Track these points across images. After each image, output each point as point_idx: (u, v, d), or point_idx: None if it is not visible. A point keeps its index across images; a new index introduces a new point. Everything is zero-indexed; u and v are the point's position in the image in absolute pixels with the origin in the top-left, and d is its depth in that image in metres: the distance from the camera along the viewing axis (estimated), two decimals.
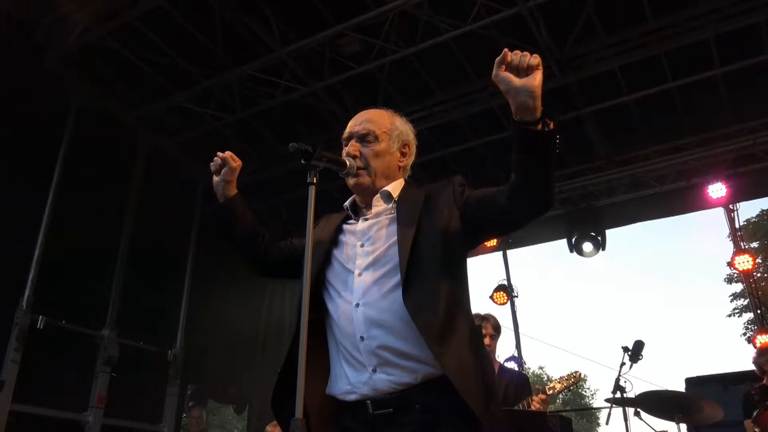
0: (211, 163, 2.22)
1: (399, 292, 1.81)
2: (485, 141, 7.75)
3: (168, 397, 7.09)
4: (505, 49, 1.68)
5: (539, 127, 1.68)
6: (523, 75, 1.66)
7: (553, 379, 4.59)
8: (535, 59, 1.66)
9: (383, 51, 6.15)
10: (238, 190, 2.26)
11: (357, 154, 2.09)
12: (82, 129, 6.34)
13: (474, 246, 2.11)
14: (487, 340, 4.42)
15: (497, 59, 1.68)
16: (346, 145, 2.14)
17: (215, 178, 2.22)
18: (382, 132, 2.14)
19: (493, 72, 1.69)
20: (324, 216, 2.29)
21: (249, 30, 6.05)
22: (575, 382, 4.51)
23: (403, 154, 2.20)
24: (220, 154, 2.20)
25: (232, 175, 2.21)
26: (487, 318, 4.54)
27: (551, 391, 4.43)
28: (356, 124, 2.16)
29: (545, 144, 1.71)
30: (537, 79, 1.65)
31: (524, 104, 1.66)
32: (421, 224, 1.92)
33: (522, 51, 1.69)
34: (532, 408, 4.25)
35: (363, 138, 2.12)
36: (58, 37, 5.98)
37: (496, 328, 4.55)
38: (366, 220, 2.08)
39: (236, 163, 2.20)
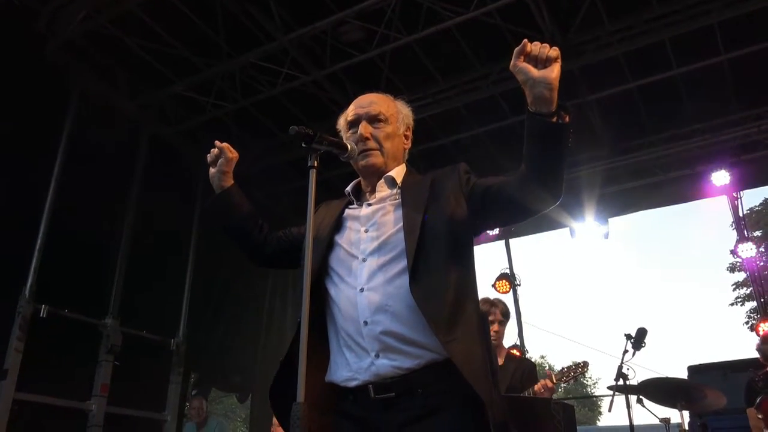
0: (208, 155, 2.21)
1: (405, 278, 1.80)
2: (488, 129, 7.72)
3: (171, 386, 7.12)
4: (525, 40, 1.67)
5: (554, 119, 1.68)
6: (541, 66, 1.66)
7: (559, 368, 4.58)
8: (554, 51, 1.66)
9: (385, 38, 6.11)
10: (235, 181, 2.25)
11: (369, 135, 2.06)
12: (84, 118, 6.32)
13: (478, 233, 2.10)
14: (495, 327, 4.38)
15: (516, 49, 1.67)
16: (351, 128, 2.11)
17: (211, 170, 2.22)
18: (391, 114, 2.13)
19: (512, 62, 1.68)
20: (323, 203, 2.25)
21: (250, 18, 6.01)
22: (582, 371, 4.50)
23: (406, 137, 2.20)
24: (218, 143, 2.19)
25: (229, 166, 2.21)
26: (496, 304, 4.51)
27: (558, 379, 4.42)
28: (364, 105, 2.13)
29: (559, 137, 1.70)
30: (555, 71, 1.65)
31: (541, 96, 1.65)
32: (427, 211, 1.91)
33: (527, 38, 1.68)
34: (535, 393, 4.24)
35: (374, 119, 2.09)
36: (59, 25, 5.94)
37: (505, 314, 4.53)
38: (370, 205, 2.06)
39: (233, 154, 2.19)
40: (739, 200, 8.53)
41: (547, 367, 41.51)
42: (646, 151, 8.01)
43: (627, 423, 4.62)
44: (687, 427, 4.55)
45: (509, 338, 9.45)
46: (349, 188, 2.18)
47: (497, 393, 1.80)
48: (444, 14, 5.78)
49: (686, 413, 4.58)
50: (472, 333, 1.79)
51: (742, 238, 8.36)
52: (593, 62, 6.38)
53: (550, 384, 4.27)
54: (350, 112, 2.14)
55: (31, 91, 5.80)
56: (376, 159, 2.06)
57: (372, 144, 2.05)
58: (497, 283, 9.28)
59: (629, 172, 8.46)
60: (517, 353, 8.06)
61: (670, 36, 6.12)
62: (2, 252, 5.39)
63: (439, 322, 1.72)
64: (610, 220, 8.66)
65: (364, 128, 2.07)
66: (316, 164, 1.76)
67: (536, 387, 4.27)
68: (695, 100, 7.27)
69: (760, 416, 4.71)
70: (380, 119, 2.09)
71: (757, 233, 22.16)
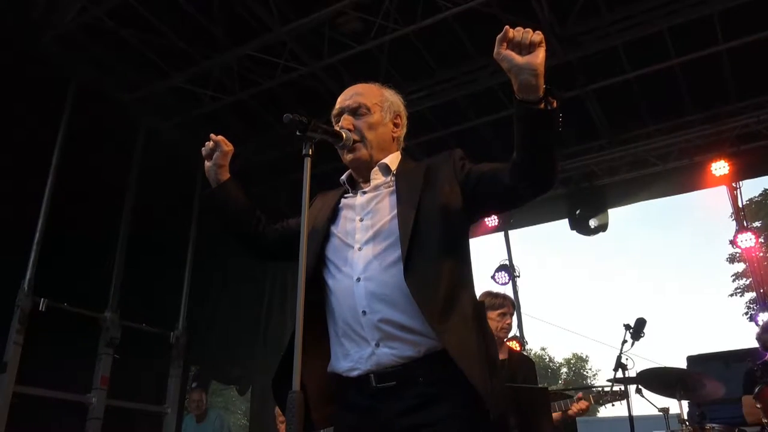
0: (203, 149, 2.18)
1: (400, 267, 1.80)
2: (486, 120, 7.70)
3: (171, 379, 7.13)
4: (506, 26, 1.65)
5: (542, 105, 1.66)
6: (525, 52, 1.63)
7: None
8: (537, 36, 1.63)
9: (383, 29, 6.08)
10: (232, 174, 2.23)
11: (351, 127, 2.06)
12: (81, 110, 6.31)
13: (474, 221, 2.10)
14: (508, 319, 4.38)
15: (498, 36, 1.65)
16: (337, 122, 2.11)
17: (207, 164, 2.19)
18: (374, 104, 2.11)
19: (495, 50, 1.66)
20: (318, 194, 2.25)
21: (248, 9, 5.98)
22: (621, 398, 4.52)
23: (395, 125, 2.18)
24: (213, 136, 2.17)
25: (225, 159, 2.18)
26: (507, 297, 4.50)
27: (596, 401, 4.47)
28: (346, 98, 2.13)
29: (548, 123, 1.69)
30: (540, 56, 1.62)
31: (527, 83, 1.64)
32: (422, 199, 1.91)
33: (523, 27, 1.66)
34: (572, 411, 4.25)
35: (355, 111, 2.09)
36: (56, 17, 5.92)
37: (514, 307, 4.56)
38: (364, 193, 2.06)
39: (228, 147, 2.17)
40: (739, 190, 8.51)
41: (548, 359, 41.67)
42: (644, 141, 7.99)
43: (626, 413, 4.63)
44: (686, 417, 4.55)
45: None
46: (343, 177, 2.18)
47: (497, 382, 1.79)
48: (442, 5, 5.75)
49: (685, 403, 4.59)
50: (466, 322, 1.79)
51: (741, 229, 8.35)
52: (591, 52, 6.36)
53: (585, 405, 4.29)
54: (336, 105, 2.15)
55: (28, 84, 5.79)
56: (360, 152, 2.05)
57: (354, 136, 2.04)
58: (496, 274, 9.30)
59: (628, 163, 8.45)
60: (517, 345, 8.10)
61: (669, 26, 6.09)
62: (1, 246, 5.38)
63: (433, 311, 1.73)
64: (609, 210, 8.64)
65: (344, 121, 2.08)
66: (310, 152, 1.76)
67: (574, 408, 4.26)
68: (694, 90, 7.25)
69: (759, 405, 4.71)
70: (362, 110, 2.08)
71: (757, 224, 22.14)
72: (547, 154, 1.76)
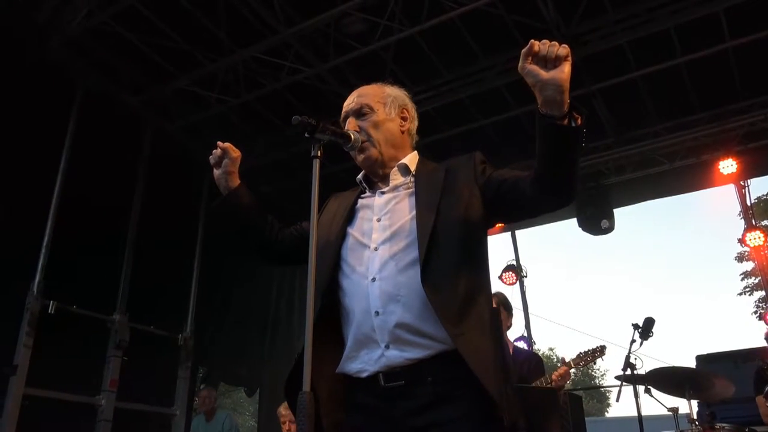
0: (210, 157, 2.14)
1: (417, 269, 1.78)
2: (492, 120, 7.69)
3: (179, 380, 7.15)
4: (532, 40, 1.62)
5: (566, 121, 1.64)
6: (550, 66, 1.61)
7: (568, 359, 4.59)
8: (563, 50, 1.60)
9: (388, 30, 6.08)
10: (241, 177, 2.20)
11: (357, 129, 2.06)
12: (88, 114, 6.33)
13: (490, 226, 2.09)
14: None
15: (523, 51, 1.62)
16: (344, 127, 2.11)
17: (216, 172, 2.15)
18: (376, 102, 2.12)
19: (520, 64, 1.64)
20: (332, 195, 2.24)
21: (253, 11, 5.99)
22: (600, 354, 4.52)
23: (403, 119, 2.17)
24: (220, 144, 2.13)
25: (234, 165, 2.15)
26: (496, 295, 4.58)
27: (576, 364, 4.47)
28: (350, 102, 2.15)
29: (571, 139, 1.66)
30: (565, 71, 1.59)
31: (551, 98, 1.61)
32: (441, 202, 1.90)
33: (534, 33, 1.65)
34: (552, 381, 4.29)
35: (358, 113, 2.10)
36: (61, 21, 5.95)
37: (504, 304, 4.63)
38: (383, 193, 2.05)
39: (236, 153, 2.13)
40: (747, 189, 8.48)
41: (555, 359, 41.55)
42: (651, 140, 7.96)
43: (635, 413, 4.62)
44: (695, 417, 4.54)
45: (516, 330, 9.46)
46: (360, 177, 2.17)
47: (509, 387, 1.79)
48: (447, 5, 5.74)
49: (695, 402, 4.58)
50: (482, 327, 1.77)
51: (749, 227, 8.31)
52: (597, 51, 6.33)
53: (564, 369, 4.32)
54: (342, 110, 2.16)
55: (35, 89, 5.81)
56: (370, 152, 2.06)
57: (361, 137, 2.05)
58: (503, 274, 9.30)
59: (635, 162, 8.42)
60: (524, 346, 8.09)
61: (675, 24, 6.07)
62: (10, 248, 5.40)
63: (449, 314, 1.71)
64: (616, 210, 8.61)
65: (350, 124, 2.09)
66: (319, 154, 1.76)
67: (554, 376, 4.31)
68: (701, 88, 7.22)
69: None
70: (365, 111, 2.09)
71: (765, 222, 21.95)
72: (570, 170, 1.74)
